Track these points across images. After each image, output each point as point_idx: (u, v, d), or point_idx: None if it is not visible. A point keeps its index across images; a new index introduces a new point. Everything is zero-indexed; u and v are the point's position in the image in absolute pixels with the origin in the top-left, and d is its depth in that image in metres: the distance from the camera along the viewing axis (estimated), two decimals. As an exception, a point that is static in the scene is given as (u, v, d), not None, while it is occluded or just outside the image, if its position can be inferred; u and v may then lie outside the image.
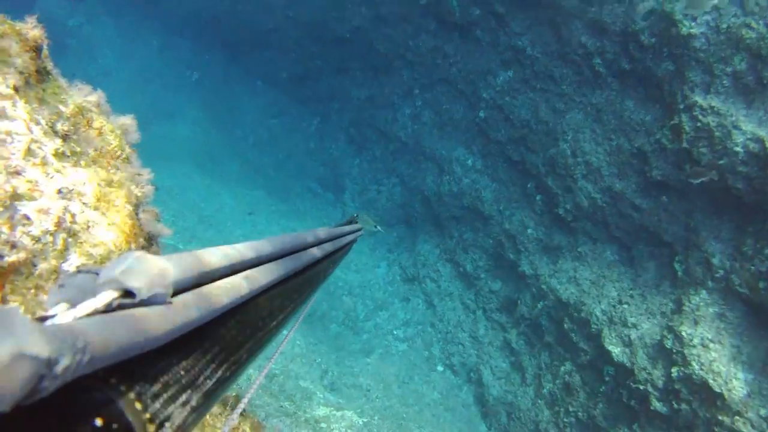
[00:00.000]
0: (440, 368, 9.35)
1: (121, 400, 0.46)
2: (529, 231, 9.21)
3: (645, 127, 8.16)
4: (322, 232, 1.36)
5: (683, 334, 7.13)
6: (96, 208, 1.39)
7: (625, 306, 7.94)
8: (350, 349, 9.28)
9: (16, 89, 1.40)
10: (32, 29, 1.68)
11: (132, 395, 0.47)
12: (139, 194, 1.82)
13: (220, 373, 0.63)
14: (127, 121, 2.13)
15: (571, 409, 8.05)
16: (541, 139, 9.18)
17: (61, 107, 1.59)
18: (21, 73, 1.46)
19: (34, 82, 1.55)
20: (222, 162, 12.49)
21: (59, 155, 1.39)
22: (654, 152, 7.96)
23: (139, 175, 2.00)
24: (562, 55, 8.97)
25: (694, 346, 7.05)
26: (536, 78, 9.32)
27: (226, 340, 0.68)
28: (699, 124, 7.42)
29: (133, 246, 1.51)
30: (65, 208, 1.28)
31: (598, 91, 8.68)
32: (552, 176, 8.97)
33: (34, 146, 1.30)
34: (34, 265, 1.14)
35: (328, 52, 11.97)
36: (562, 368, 8.34)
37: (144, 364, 0.51)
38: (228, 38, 13.07)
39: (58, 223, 1.23)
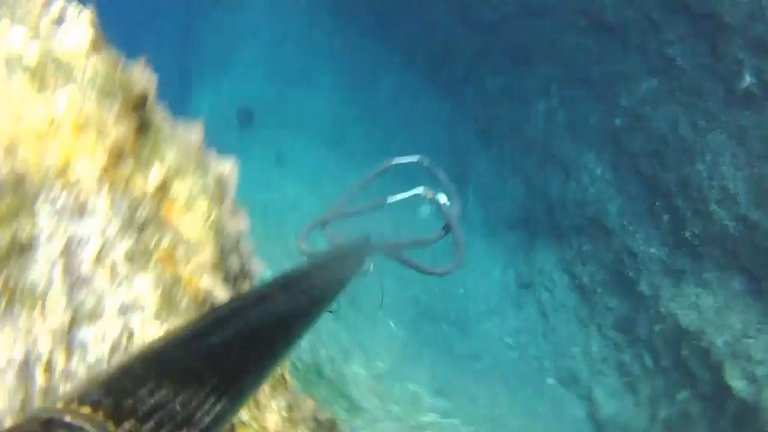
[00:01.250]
0: (550, 381, 9.96)
1: None
2: (652, 250, 9.53)
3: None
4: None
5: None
6: (157, 317, 1.27)
7: (751, 340, 8.19)
8: (459, 353, 10.07)
9: (105, 170, 1.31)
10: (140, 79, 1.60)
11: None
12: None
13: (219, 407, 0.62)
14: (226, 169, 2.01)
15: (687, 438, 8.48)
16: (676, 157, 9.39)
17: (153, 172, 1.50)
18: (113, 150, 1.38)
19: (130, 149, 1.46)
20: (352, 141, 13.42)
21: (129, 257, 1.29)
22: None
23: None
24: (714, 70, 9.08)
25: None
26: (682, 90, 9.45)
27: (228, 369, 0.68)
28: None
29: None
30: (125, 327, 1.20)
31: (746, 112, 8.73)
32: (683, 197, 9.20)
33: (105, 250, 1.22)
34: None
35: (471, 34, 12.46)
36: (679, 396, 8.72)
37: (136, 398, 0.51)
38: (374, 6, 13.85)
39: (114, 348, 1.17)
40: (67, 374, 1.09)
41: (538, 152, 11.38)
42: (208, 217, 1.71)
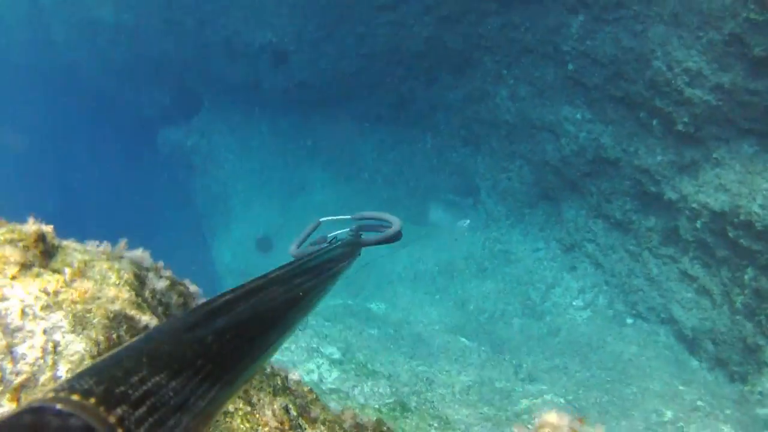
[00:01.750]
0: (630, 320, 9.87)
1: (100, 426, 0.46)
2: (659, 158, 9.52)
3: (728, 11, 8.28)
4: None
5: None
6: (72, 332, 2.00)
7: (783, 192, 8.05)
8: (538, 336, 10.14)
9: (13, 278, 2.08)
10: (32, 226, 2.29)
11: (113, 419, 0.47)
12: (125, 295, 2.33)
13: (213, 392, 0.63)
14: (137, 254, 2.73)
15: (769, 313, 8.23)
16: (634, 67, 9.53)
17: (66, 269, 2.30)
18: (21, 264, 2.13)
19: (40, 264, 2.21)
20: (360, 207, 14.04)
21: (45, 308, 2.04)
22: (747, 31, 8.05)
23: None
24: (619, -21, 9.36)
25: None
26: (605, 11, 9.73)
27: (221, 355, 0.68)
28: (777, -14, 7.52)
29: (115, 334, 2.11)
30: (48, 340, 1.94)
31: (668, -4, 8.93)
32: (658, 97, 9.27)
33: (27, 309, 2.01)
34: (37, 379, 1.82)
35: (413, 70, 13.15)
36: (746, 276, 8.52)
37: (127, 385, 0.52)
38: (322, 96, 14.74)
39: (45, 350, 1.89)
40: (16, 372, 1.84)
41: (521, 130, 11.66)
42: (120, 278, 2.47)
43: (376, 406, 7.89)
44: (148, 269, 2.81)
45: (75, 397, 0.47)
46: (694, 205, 9.08)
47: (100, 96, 18.43)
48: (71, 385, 0.49)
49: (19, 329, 2.00)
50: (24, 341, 1.93)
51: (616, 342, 9.52)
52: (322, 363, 8.34)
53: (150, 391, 0.54)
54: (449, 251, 12.25)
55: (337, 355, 8.68)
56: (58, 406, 0.46)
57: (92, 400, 0.48)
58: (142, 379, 0.54)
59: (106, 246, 2.78)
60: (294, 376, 3.18)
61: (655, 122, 9.57)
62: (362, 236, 2.82)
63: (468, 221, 12.60)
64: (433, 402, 8.32)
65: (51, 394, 0.47)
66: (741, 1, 8.06)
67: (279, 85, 14.87)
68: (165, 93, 17.57)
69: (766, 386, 8.14)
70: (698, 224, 9.09)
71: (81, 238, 2.67)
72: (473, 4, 11.29)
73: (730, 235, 8.60)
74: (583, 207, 10.96)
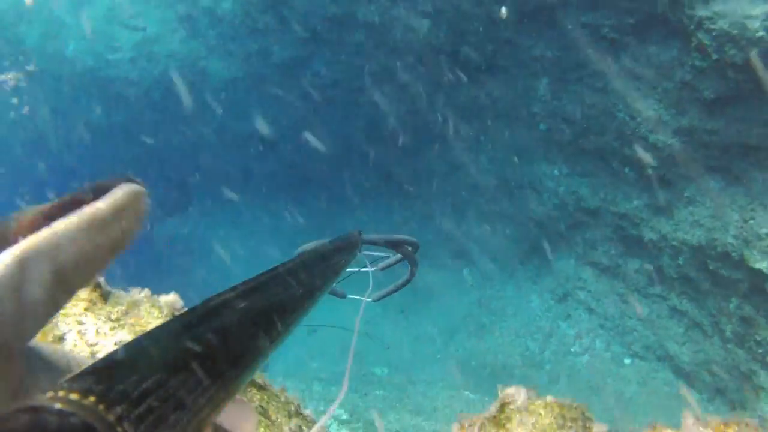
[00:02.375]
0: (627, 361, 10.07)
1: (99, 425, 0.45)
2: (635, 203, 10.00)
3: (676, 61, 8.95)
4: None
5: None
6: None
7: (752, 221, 8.44)
8: (539, 384, 10.28)
9: (85, 309, 2.84)
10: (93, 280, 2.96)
11: (112, 418, 0.47)
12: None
13: (212, 390, 0.62)
14: (170, 297, 3.34)
15: (758, 338, 8.47)
16: (600, 121, 10.16)
17: (120, 307, 3.02)
18: (88, 301, 2.87)
19: (100, 303, 2.92)
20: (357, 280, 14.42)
21: (113, 329, 2.77)
22: (696, 77, 8.69)
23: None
24: (572, 42, 10.06)
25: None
26: (567, 73, 10.46)
27: (220, 353, 0.67)
28: (715, 33, 8.18)
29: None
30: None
31: (621, 53, 9.62)
32: (626, 146, 9.84)
33: (99, 329, 2.74)
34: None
35: (393, 145, 13.79)
36: (731, 305, 8.82)
37: (126, 384, 0.51)
38: (310, 175, 15.32)
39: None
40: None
41: (504, 191, 12.18)
42: (162, 314, 3.21)
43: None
44: (179, 310, 3.33)
45: (74, 396, 0.46)
46: (674, 243, 9.48)
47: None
48: (70, 384, 0.48)
49: (95, 343, 2.69)
50: (101, 351, 2.59)
51: (617, 382, 9.70)
52: (331, 423, 8.50)
53: (149, 390, 0.52)
54: (448, 314, 12.51)
55: (345, 416, 8.84)
56: (57, 405, 0.45)
57: (91, 399, 0.47)
58: (141, 378, 0.53)
59: (147, 291, 3.38)
60: (306, 411, 3.57)
61: (627, 170, 10.10)
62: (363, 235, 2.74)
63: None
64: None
65: (50, 393, 0.46)
66: (685, 51, 8.74)
67: (268, 169, 15.50)
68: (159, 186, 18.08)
69: (765, 410, 8.30)
70: (680, 261, 9.46)
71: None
72: (444, 81, 12.00)
73: (711, 267, 8.96)
74: (571, 257, 11.34)
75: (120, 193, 0.58)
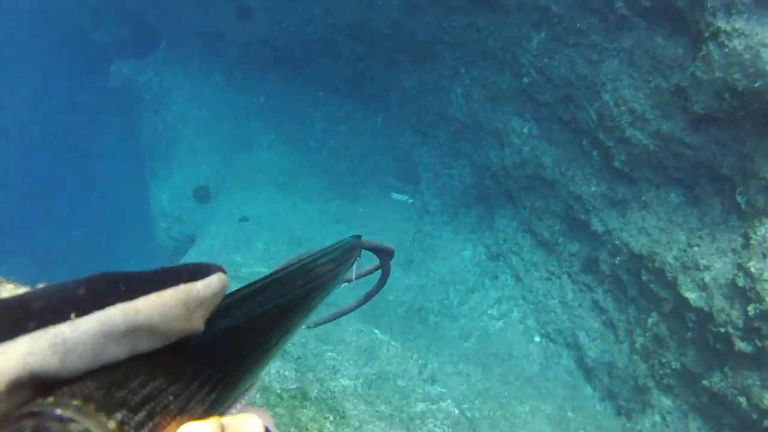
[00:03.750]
0: (537, 339, 10.12)
1: (100, 430, 0.45)
2: (593, 188, 9.60)
3: (678, 62, 8.25)
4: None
5: (752, 270, 7.34)
6: None
7: (696, 248, 8.19)
8: (449, 337, 10.32)
9: None
10: None
11: (113, 424, 0.47)
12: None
13: (213, 396, 0.63)
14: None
15: (663, 360, 8.51)
16: (584, 94, 9.48)
17: None
18: None
19: None
20: (302, 177, 13.94)
21: None
22: (692, 86, 8.05)
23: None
24: (585, 4, 9.18)
25: (766, 280, 7.27)
26: (567, 34, 9.58)
27: (220, 360, 0.69)
28: (727, 50, 7.46)
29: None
30: None
31: (627, 34, 8.82)
32: (602, 130, 9.27)
33: None
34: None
35: (375, 50, 12.84)
36: (650, 320, 8.77)
37: (127, 390, 0.51)
38: (281, 56, 14.32)
39: None
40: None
41: (470, 131, 11.57)
42: None
43: (278, 391, 7.96)
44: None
45: (75, 402, 0.47)
46: (616, 242, 9.23)
47: (58, 16, 17.48)
48: (71, 390, 0.48)
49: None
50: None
51: (521, 357, 9.77)
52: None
53: (150, 395, 0.53)
54: (380, 235, 12.23)
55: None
56: (58, 411, 0.45)
57: (92, 405, 0.47)
58: (141, 383, 0.53)
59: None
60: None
61: (595, 153, 9.60)
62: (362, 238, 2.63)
63: (408, 198, 12.60)
64: (334, 393, 8.43)
65: (51, 399, 0.47)
66: (691, 56, 8.04)
67: (240, 39, 14.34)
68: (125, 24, 16.78)
69: (646, 426, 8.51)
70: (617, 260, 9.27)
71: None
72: (441, -1, 10.98)
73: (643, 278, 8.80)
74: (515, 219, 11.03)
75: (216, 280, 0.63)
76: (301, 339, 9.27)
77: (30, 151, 20.15)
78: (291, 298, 1.03)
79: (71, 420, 0.45)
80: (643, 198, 9.03)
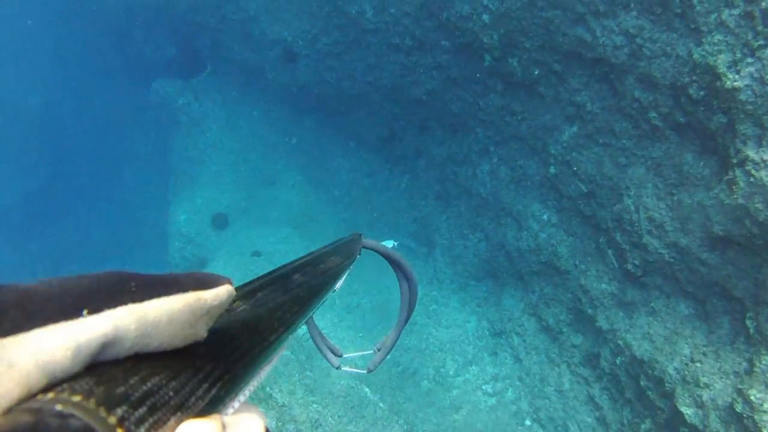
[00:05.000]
0: (528, 422, 10.09)
1: (100, 427, 0.45)
2: (604, 286, 9.68)
3: (704, 181, 8.40)
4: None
5: (752, 398, 7.36)
6: None
7: (698, 364, 8.23)
8: (440, 405, 10.31)
9: None
10: None
11: (113, 420, 0.46)
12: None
13: (213, 392, 0.62)
14: None
15: (652, 468, 8.49)
16: (607, 194, 9.63)
17: None
18: None
19: None
20: (320, 222, 14.10)
21: None
22: (713, 207, 8.18)
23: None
24: (620, 109, 9.39)
25: (765, 412, 7.28)
26: (598, 133, 9.78)
27: (220, 356, 0.68)
28: (752, 179, 7.60)
29: None
30: None
31: (657, 144, 9.00)
32: (620, 231, 9.39)
33: None
34: None
35: (409, 113, 13.10)
36: (643, 426, 8.76)
37: (127, 386, 0.51)
38: (319, 104, 14.61)
39: None
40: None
41: (490, 208, 11.72)
42: None
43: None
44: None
45: (75, 398, 0.46)
46: (619, 342, 9.27)
47: (114, 26, 17.92)
48: (71, 386, 0.48)
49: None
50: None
51: (510, 441, 9.73)
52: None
53: (150, 391, 0.53)
54: (386, 292, 12.29)
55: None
56: (58, 407, 0.44)
57: (92, 401, 0.46)
58: (142, 379, 0.53)
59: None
60: None
61: (610, 252, 9.70)
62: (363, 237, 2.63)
63: (394, 243, 12.66)
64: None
65: (51, 395, 0.46)
66: (717, 178, 8.17)
67: (282, 80, 14.65)
68: (174, 44, 17.18)
69: None
70: (618, 360, 9.29)
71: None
72: (481, 77, 11.23)
73: (642, 383, 8.81)
74: (523, 300, 11.10)
75: (225, 291, 0.63)
76: (290, 387, 9.27)
77: (63, 146, 20.44)
78: (291, 295, 1.01)
79: (71, 416, 0.44)
80: (651, 304, 9.09)
